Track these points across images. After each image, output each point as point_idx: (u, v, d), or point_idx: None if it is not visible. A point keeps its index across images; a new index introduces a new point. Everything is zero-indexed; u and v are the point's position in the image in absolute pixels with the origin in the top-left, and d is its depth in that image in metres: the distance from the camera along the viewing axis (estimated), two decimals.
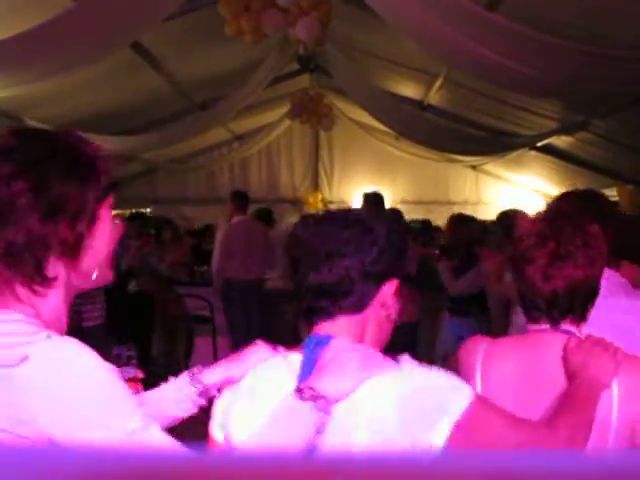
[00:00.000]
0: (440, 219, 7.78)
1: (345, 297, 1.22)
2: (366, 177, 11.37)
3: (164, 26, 5.08)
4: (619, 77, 3.94)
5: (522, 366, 1.49)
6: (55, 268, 1.04)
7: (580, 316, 1.49)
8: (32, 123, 6.08)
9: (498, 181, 11.27)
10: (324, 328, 1.23)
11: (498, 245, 4.12)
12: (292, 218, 9.72)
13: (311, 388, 1.10)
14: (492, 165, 10.49)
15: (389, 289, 1.25)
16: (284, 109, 9.60)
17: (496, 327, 3.88)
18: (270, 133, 10.58)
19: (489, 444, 1.09)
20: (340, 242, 1.21)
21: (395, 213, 5.33)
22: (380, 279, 1.23)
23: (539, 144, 7.79)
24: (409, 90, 8.49)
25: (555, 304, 1.47)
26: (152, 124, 8.08)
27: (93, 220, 1.05)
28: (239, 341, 5.80)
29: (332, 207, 11.51)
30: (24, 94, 5.16)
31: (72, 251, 1.03)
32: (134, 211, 7.98)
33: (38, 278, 1.02)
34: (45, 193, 1.00)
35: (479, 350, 1.55)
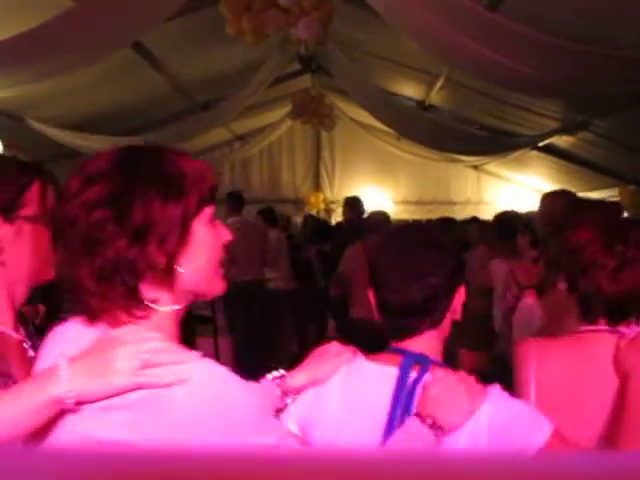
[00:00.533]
0: None
1: (431, 314, 1.32)
2: (367, 177, 11.37)
3: (165, 26, 5.08)
4: (620, 77, 3.94)
5: (576, 365, 1.54)
6: (152, 290, 1.02)
7: (636, 318, 1.56)
8: (33, 123, 6.09)
9: (500, 181, 11.26)
10: (409, 343, 1.33)
11: (493, 246, 4.17)
12: (294, 218, 9.72)
13: (431, 417, 1.18)
14: (493, 165, 10.48)
15: (459, 297, 1.35)
16: (285, 109, 9.60)
17: (473, 316, 3.92)
18: (271, 133, 10.58)
19: None
20: (426, 262, 1.31)
21: (382, 216, 5.51)
22: (455, 290, 1.34)
23: (540, 144, 7.79)
24: (410, 90, 8.49)
25: (618, 306, 1.54)
26: (153, 124, 8.08)
27: (184, 238, 1.02)
28: (239, 342, 5.80)
29: (333, 207, 11.54)
30: (25, 94, 5.16)
31: (164, 272, 1.00)
32: None
33: (134, 302, 1.00)
34: (130, 219, 0.98)
35: (533, 351, 1.59)
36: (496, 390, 1.24)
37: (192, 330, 6.14)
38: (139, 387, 0.93)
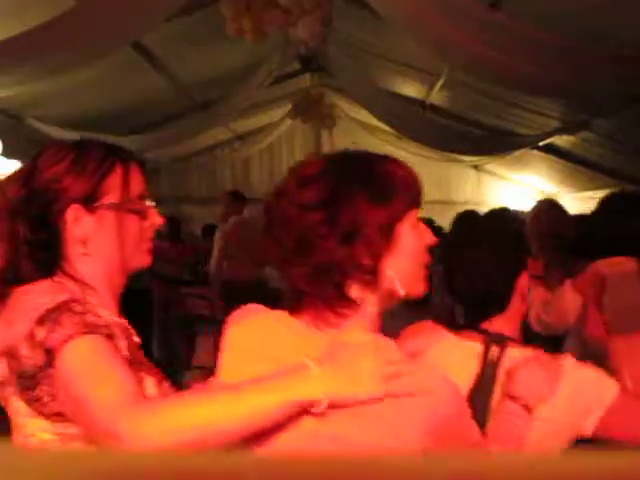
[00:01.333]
0: (442, 219, 7.76)
1: (497, 301, 1.48)
2: None
3: (165, 25, 5.08)
4: (622, 77, 3.93)
5: None
6: (358, 290, 1.07)
7: None
8: (33, 122, 6.09)
9: (500, 181, 11.25)
10: (487, 325, 1.49)
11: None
12: None
13: (524, 399, 1.34)
14: (494, 165, 10.47)
15: (523, 281, 1.48)
16: (285, 109, 9.59)
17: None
18: (272, 133, 10.57)
19: (632, 429, 1.37)
20: (491, 255, 1.46)
21: None
22: (516, 276, 1.49)
23: (541, 143, 7.77)
24: (411, 89, 8.48)
25: None
26: (153, 124, 8.08)
27: (389, 240, 1.07)
28: None
29: None
30: (25, 94, 5.16)
31: (370, 273, 1.06)
32: None
33: (342, 301, 1.06)
34: (339, 221, 1.03)
35: (624, 344, 1.81)
36: (569, 361, 1.40)
37: (192, 330, 6.15)
38: (388, 396, 0.97)
